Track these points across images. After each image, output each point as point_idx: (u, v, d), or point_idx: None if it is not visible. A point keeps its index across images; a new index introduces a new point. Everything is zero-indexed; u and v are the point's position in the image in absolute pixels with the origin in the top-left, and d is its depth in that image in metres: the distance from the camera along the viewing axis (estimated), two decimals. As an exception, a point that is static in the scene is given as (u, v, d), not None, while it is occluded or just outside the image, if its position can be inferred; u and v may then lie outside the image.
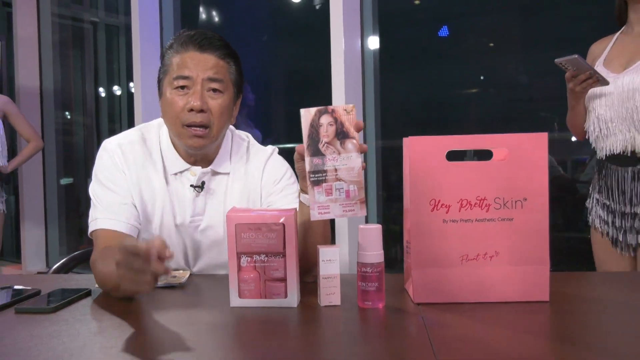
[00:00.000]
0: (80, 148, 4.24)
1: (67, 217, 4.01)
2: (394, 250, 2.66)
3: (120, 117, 4.14)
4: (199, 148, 1.19)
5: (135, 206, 1.20)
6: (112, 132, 4.16)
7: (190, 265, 1.27)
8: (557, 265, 1.77)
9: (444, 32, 3.10)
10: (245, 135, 1.35)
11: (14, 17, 3.75)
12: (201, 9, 3.78)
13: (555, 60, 1.60)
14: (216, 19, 3.88)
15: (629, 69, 1.65)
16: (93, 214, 1.19)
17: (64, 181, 4.03)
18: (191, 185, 1.23)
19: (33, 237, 3.78)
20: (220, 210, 1.24)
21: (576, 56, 1.56)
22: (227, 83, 1.20)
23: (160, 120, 1.27)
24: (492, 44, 3.11)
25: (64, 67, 4.01)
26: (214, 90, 1.18)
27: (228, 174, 1.27)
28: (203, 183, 1.24)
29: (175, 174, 1.24)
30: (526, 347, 0.76)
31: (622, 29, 1.76)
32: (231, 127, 1.32)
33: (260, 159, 1.29)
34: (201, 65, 1.16)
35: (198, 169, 1.24)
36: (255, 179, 1.28)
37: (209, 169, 1.24)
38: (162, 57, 1.22)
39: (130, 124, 3.31)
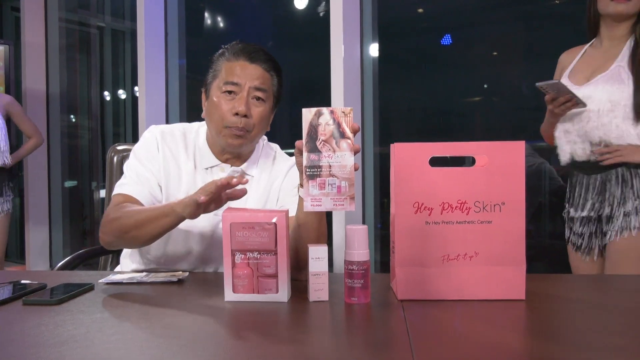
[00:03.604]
0: (85, 151, 4.33)
1: (71, 220, 4.09)
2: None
3: (125, 120, 4.23)
4: (237, 147, 1.32)
5: (161, 188, 1.33)
6: (117, 135, 4.26)
7: (208, 255, 1.37)
8: (562, 272, 1.85)
9: (446, 40, 3.16)
10: (274, 146, 1.48)
11: (22, 22, 3.85)
12: (206, 15, 3.86)
13: (537, 84, 1.70)
14: (221, 25, 3.97)
15: (590, 81, 1.73)
16: (121, 181, 1.33)
17: (69, 184, 4.12)
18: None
19: (37, 239, 3.86)
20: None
21: (557, 81, 1.66)
22: (270, 93, 1.33)
23: (199, 123, 1.42)
24: (495, 53, 3.17)
25: (70, 71, 4.11)
26: (258, 98, 1.30)
27: (253, 177, 1.39)
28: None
29: (207, 168, 1.36)
30: (499, 339, 0.82)
31: (591, 41, 1.83)
32: (264, 136, 1.45)
33: (284, 166, 1.42)
34: (249, 74, 1.30)
35: (228, 166, 1.37)
36: (277, 182, 1.39)
37: (239, 168, 1.37)
38: (212, 62, 1.36)
39: (135, 127, 3.39)
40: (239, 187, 1.06)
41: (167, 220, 1.15)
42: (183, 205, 1.10)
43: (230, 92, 1.30)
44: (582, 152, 1.76)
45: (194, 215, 1.10)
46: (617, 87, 1.66)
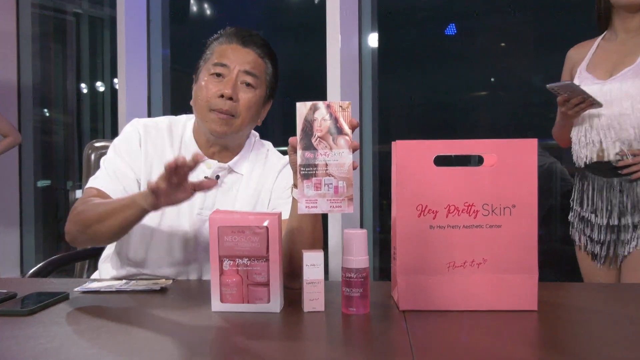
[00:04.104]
0: (60, 148, 4.30)
1: (44, 223, 4.05)
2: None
3: (103, 115, 4.20)
4: (221, 134, 1.32)
5: (140, 185, 1.32)
6: (94, 131, 4.23)
7: (191, 258, 1.35)
8: (575, 280, 1.86)
9: (451, 30, 3.16)
10: (266, 143, 1.48)
11: (-9, 8, 3.82)
12: (192, 1, 3.85)
13: (547, 85, 1.69)
14: (208, 12, 3.95)
15: (615, 76, 1.73)
16: (96, 174, 1.33)
17: (41, 183, 4.08)
18: (205, 177, 1.33)
19: (7, 243, 3.82)
20: (229, 208, 1.34)
21: (570, 82, 1.65)
22: (261, 81, 1.34)
23: (187, 116, 1.42)
24: (503, 44, 3.17)
25: (44, 62, 4.07)
26: (247, 84, 1.31)
27: (242, 175, 1.38)
28: (217, 177, 1.35)
29: None
30: (508, 353, 0.82)
31: (603, 34, 1.83)
32: (255, 132, 1.45)
33: (277, 164, 1.42)
34: (240, 57, 1.31)
35: (214, 163, 1.36)
36: (269, 181, 1.39)
37: (226, 165, 1.37)
38: (206, 47, 1.37)
39: (114, 122, 3.36)
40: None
41: (129, 212, 1.14)
42: (143, 195, 1.10)
43: (218, 74, 1.31)
44: (602, 153, 1.73)
45: (155, 206, 1.09)
46: None
